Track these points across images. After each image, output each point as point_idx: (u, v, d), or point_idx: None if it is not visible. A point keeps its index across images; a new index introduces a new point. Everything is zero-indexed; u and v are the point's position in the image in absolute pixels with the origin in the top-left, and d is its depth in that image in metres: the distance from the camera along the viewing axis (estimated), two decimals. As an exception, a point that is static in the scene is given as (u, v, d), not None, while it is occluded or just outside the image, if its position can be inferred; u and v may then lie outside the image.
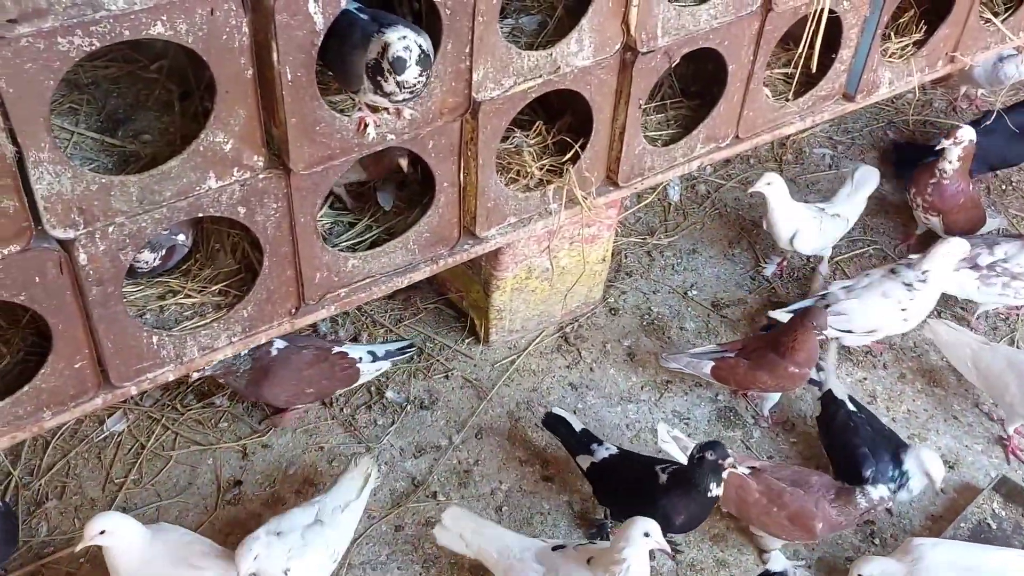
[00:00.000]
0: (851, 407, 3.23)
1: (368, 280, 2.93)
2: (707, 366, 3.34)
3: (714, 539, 3.16)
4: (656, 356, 3.62)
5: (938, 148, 3.65)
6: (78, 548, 2.57)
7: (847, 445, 3.15)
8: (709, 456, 2.73)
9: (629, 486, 2.94)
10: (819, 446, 3.39)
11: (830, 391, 3.28)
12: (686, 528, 2.91)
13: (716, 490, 2.79)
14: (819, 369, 3.37)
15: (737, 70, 3.18)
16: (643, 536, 2.60)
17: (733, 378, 3.34)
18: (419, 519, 3.14)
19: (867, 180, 3.84)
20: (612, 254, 3.77)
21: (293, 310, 2.79)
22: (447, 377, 3.55)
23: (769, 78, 3.48)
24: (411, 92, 2.40)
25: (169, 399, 3.35)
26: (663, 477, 2.87)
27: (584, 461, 3.05)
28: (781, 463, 3.16)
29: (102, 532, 2.51)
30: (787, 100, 3.43)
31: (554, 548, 2.80)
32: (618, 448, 3.07)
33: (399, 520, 3.13)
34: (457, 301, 3.70)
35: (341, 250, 2.86)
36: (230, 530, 3.04)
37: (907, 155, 4.27)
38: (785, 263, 3.96)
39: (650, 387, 3.58)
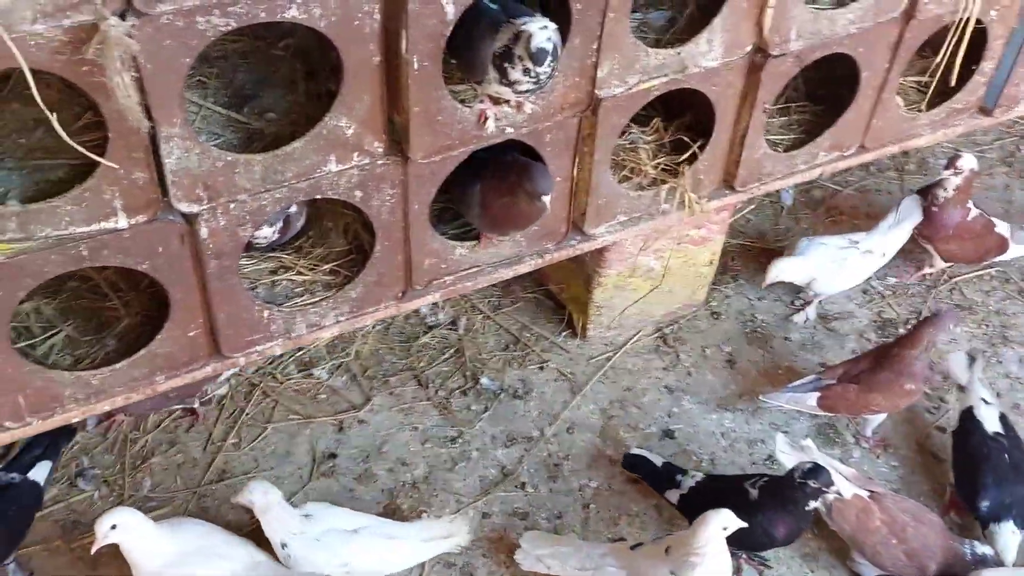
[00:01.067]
0: (995, 429, 3.09)
1: (475, 269, 2.92)
2: (812, 398, 3.23)
3: (804, 557, 3.08)
4: (756, 367, 3.54)
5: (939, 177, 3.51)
6: (93, 550, 2.54)
7: (974, 471, 3.03)
8: (812, 484, 2.67)
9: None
10: (921, 472, 3.29)
11: (970, 408, 3.15)
12: (788, 541, 2.86)
13: (814, 504, 2.73)
14: (960, 389, 3.26)
15: (870, 77, 3.06)
16: (721, 529, 2.57)
17: (844, 406, 3.23)
18: (506, 508, 3.14)
19: (911, 213, 3.63)
20: (720, 256, 3.69)
21: (400, 294, 2.81)
22: (542, 368, 3.53)
23: (902, 86, 3.34)
24: (536, 83, 2.38)
25: (271, 368, 3.42)
26: (753, 493, 2.81)
27: (672, 495, 3.00)
28: (901, 495, 3.06)
29: (113, 527, 2.50)
30: (920, 111, 3.29)
31: (632, 547, 2.79)
32: (704, 474, 3.02)
33: (487, 507, 3.15)
34: (557, 293, 3.68)
35: (450, 238, 2.87)
36: (323, 500, 3.10)
37: None
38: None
39: (748, 396, 3.50)
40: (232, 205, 2.31)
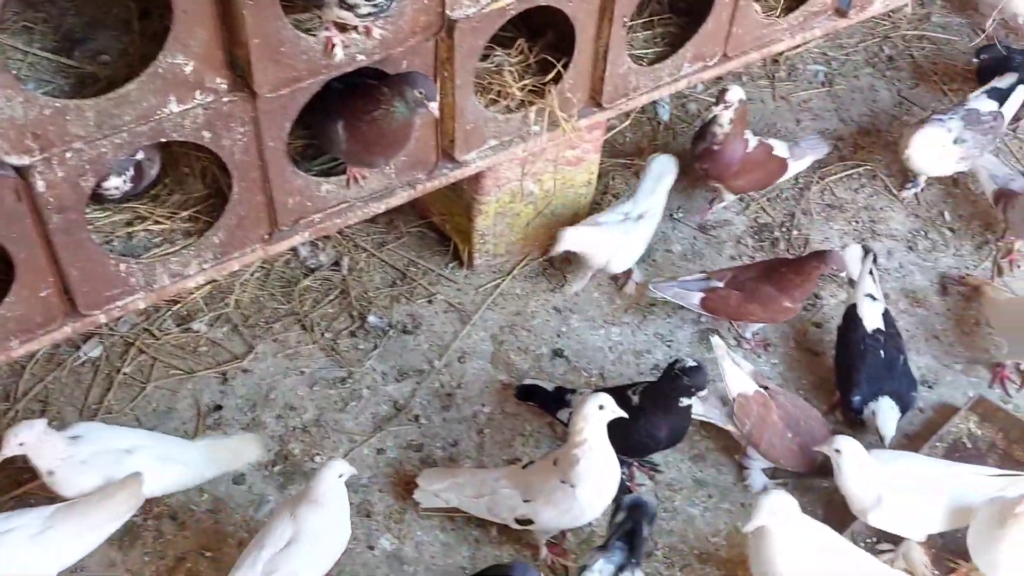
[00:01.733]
0: (876, 326, 3.19)
1: (343, 205, 2.87)
2: (696, 297, 3.30)
3: (693, 459, 3.16)
4: (640, 282, 3.58)
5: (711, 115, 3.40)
6: None
7: (849, 368, 3.15)
8: (686, 380, 2.72)
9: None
10: (799, 368, 3.39)
11: (853, 306, 3.25)
12: (673, 441, 2.92)
13: (687, 401, 2.80)
14: (851, 283, 3.37)
15: (726, -15, 3.07)
16: (598, 409, 2.62)
17: (724, 310, 3.30)
18: (400, 442, 3.14)
19: (666, 171, 3.54)
20: (599, 176, 3.69)
21: (266, 236, 2.74)
22: (430, 302, 3.51)
23: (761, -8, 3.36)
24: (376, 6, 2.31)
25: (147, 324, 3.33)
26: (635, 399, 2.85)
27: (564, 415, 3.03)
28: (789, 392, 3.14)
29: (21, 444, 2.48)
30: (777, 16, 3.31)
31: (524, 466, 2.83)
32: (591, 390, 3.04)
33: (381, 444, 3.14)
34: (440, 225, 3.64)
35: (314, 175, 2.80)
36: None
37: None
38: None
39: (633, 310, 3.54)
40: (68, 155, 2.21)
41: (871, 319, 3.22)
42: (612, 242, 3.38)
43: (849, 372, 3.15)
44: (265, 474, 3.03)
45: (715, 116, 3.38)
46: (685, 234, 3.78)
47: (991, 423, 3.22)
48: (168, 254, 2.58)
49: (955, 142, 3.61)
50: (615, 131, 3.90)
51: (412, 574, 2.88)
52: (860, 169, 3.98)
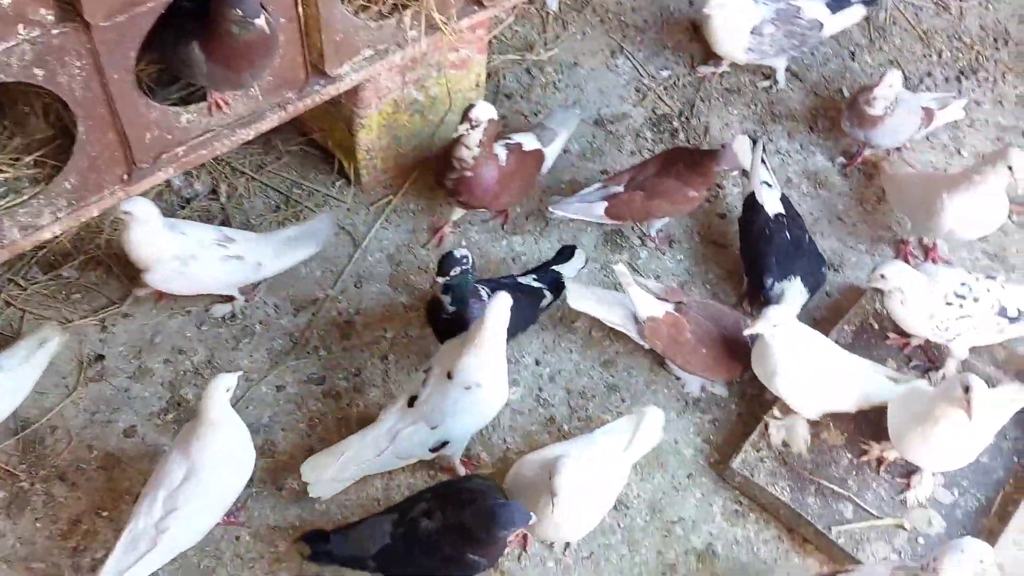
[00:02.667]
0: (777, 211, 3.15)
1: (208, 135, 2.65)
2: (599, 207, 3.19)
3: (604, 365, 3.11)
4: (540, 186, 3.44)
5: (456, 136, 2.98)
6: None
7: (758, 254, 3.11)
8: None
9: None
10: (705, 261, 3.35)
11: (752, 195, 3.19)
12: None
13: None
14: (744, 174, 3.29)
15: None
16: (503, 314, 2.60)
17: (630, 213, 3.21)
18: (300, 376, 3.01)
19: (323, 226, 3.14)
20: (487, 76, 3.50)
21: (125, 176, 2.52)
22: (319, 224, 3.33)
23: None
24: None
25: (11, 274, 3.08)
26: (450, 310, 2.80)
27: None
28: (706, 301, 3.08)
29: (127, 213, 2.58)
30: None
31: (411, 401, 2.69)
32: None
33: (279, 380, 3.00)
34: (322, 141, 3.43)
35: (172, 104, 2.57)
36: (96, 408, 2.88)
37: None
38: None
39: (535, 216, 3.42)
40: None
41: (771, 204, 3.18)
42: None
43: (758, 259, 3.11)
44: (157, 423, 2.88)
45: (461, 137, 2.96)
46: (583, 132, 3.63)
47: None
48: (14, 205, 2.36)
49: (752, 31, 3.47)
50: (502, 26, 3.69)
51: (324, 511, 2.78)
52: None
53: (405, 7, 2.83)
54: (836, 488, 2.79)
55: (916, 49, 3.88)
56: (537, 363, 3.09)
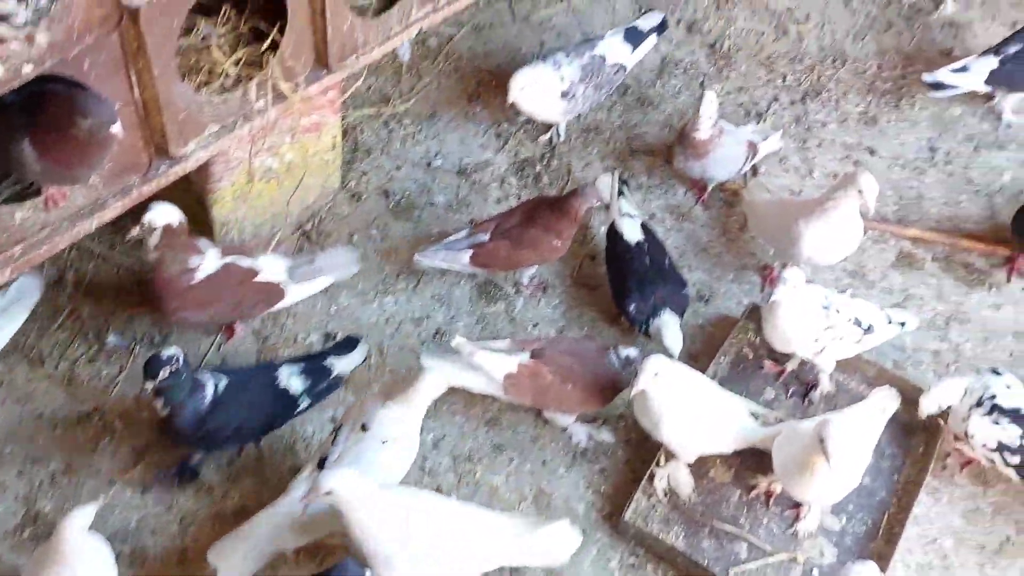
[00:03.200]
0: (637, 238, 3.20)
1: (47, 230, 2.47)
2: (465, 256, 3.15)
3: (489, 424, 3.06)
4: (408, 241, 3.37)
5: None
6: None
7: (621, 281, 3.15)
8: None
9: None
10: (580, 305, 3.34)
11: (613, 223, 3.25)
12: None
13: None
14: (606, 207, 3.33)
15: (444, -79, 2.80)
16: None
17: (496, 262, 3.18)
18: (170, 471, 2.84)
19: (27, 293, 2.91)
20: (344, 133, 3.41)
21: (-46, 287, 2.32)
22: (178, 304, 3.16)
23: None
24: (36, 11, 1.93)
25: None
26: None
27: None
28: (558, 337, 3.07)
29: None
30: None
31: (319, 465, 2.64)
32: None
33: (145, 478, 2.83)
34: (176, 217, 3.26)
35: (5, 202, 2.38)
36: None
37: None
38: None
39: (405, 274, 3.34)
40: None
41: (631, 232, 3.24)
42: None
43: (620, 283, 3.17)
44: (13, 542, 2.66)
45: (142, 238, 2.69)
46: (447, 183, 3.58)
47: (768, 328, 3.29)
48: None
49: (563, 95, 3.43)
50: (355, 86, 3.60)
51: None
52: (605, 93, 3.87)
53: (250, 78, 2.71)
54: (729, 528, 2.81)
55: (761, 75, 3.97)
56: (421, 430, 3.00)
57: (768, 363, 3.18)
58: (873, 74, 3.99)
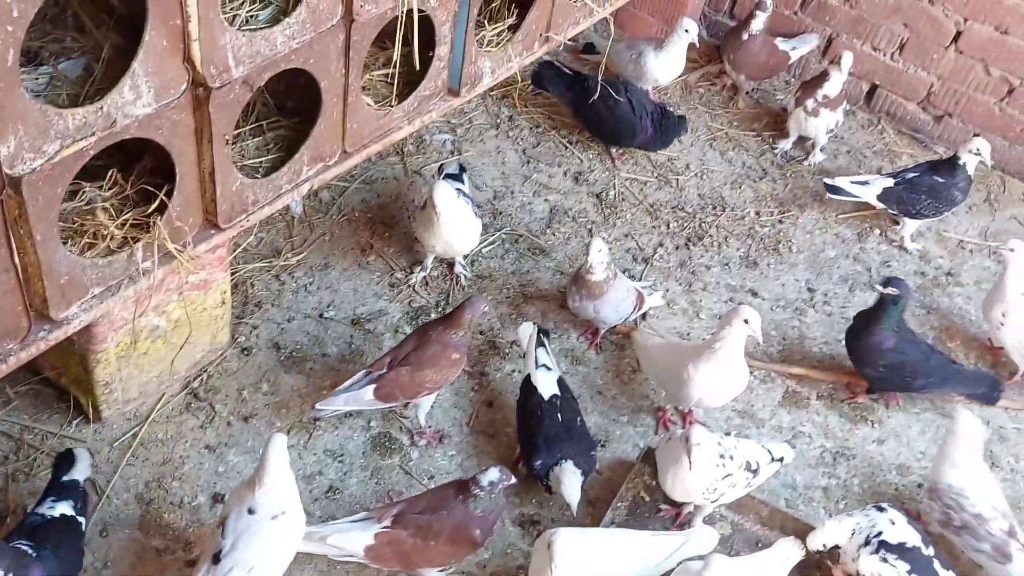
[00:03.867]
0: (552, 392, 3.22)
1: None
2: (368, 392, 3.11)
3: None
4: (300, 395, 3.33)
5: None
6: None
7: (530, 435, 3.16)
8: None
9: None
10: (478, 453, 3.32)
11: (528, 376, 3.28)
12: None
13: None
14: (524, 356, 3.40)
15: (330, 86, 2.88)
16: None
17: (401, 390, 3.15)
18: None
19: None
20: (234, 287, 3.39)
21: None
22: (56, 472, 3.02)
23: (370, 82, 3.22)
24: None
25: None
26: None
27: None
28: (417, 495, 3.00)
29: None
30: (391, 106, 3.20)
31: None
32: None
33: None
34: (56, 379, 3.16)
35: None
36: None
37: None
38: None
39: (297, 429, 3.28)
40: None
41: (545, 387, 3.25)
42: None
43: (529, 438, 3.16)
44: None
45: None
46: (340, 333, 3.57)
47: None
48: None
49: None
50: (245, 243, 3.62)
51: None
52: (501, 233, 3.98)
53: (136, 240, 2.69)
54: None
55: (646, 222, 4.14)
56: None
57: (665, 507, 3.20)
58: (752, 219, 4.20)
